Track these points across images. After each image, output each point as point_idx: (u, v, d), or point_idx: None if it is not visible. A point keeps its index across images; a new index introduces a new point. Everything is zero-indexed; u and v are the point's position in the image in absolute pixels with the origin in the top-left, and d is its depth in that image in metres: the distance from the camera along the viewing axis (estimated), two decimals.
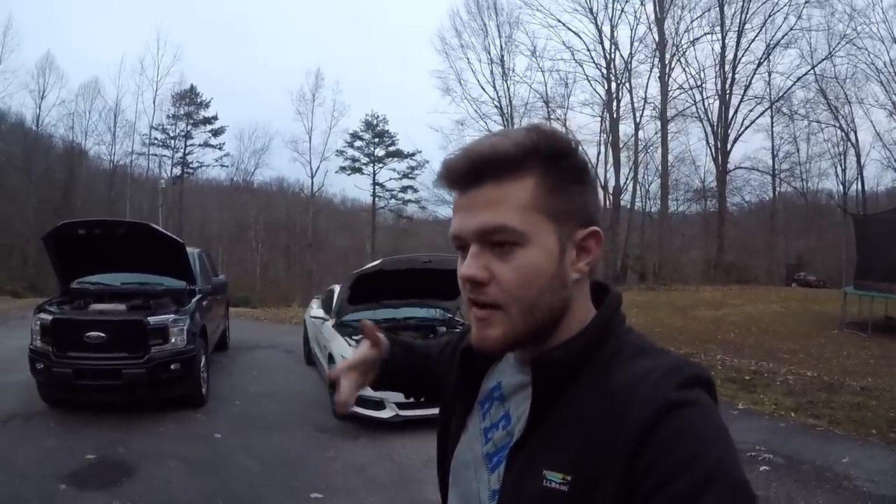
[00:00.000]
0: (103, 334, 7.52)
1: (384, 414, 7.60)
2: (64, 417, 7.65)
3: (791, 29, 41.04)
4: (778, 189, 48.58)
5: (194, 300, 8.81)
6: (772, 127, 46.22)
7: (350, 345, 8.20)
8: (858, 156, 44.29)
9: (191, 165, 57.68)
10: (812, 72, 41.66)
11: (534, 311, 1.03)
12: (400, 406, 7.54)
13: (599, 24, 43.53)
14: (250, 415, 8.33)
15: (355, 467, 6.53)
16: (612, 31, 43.64)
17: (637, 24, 43.42)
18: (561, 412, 1.02)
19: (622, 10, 43.43)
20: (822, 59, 40.97)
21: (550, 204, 1.03)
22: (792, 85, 42.97)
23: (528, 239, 1.01)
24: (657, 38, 41.91)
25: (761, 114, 44.43)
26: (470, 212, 1.03)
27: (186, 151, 56.63)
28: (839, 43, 39.92)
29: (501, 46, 46.90)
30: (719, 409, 0.97)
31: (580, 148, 1.08)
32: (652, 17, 42.34)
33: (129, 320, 7.83)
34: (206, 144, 57.63)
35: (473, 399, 1.25)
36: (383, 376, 1.54)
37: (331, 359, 8.47)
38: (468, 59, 47.92)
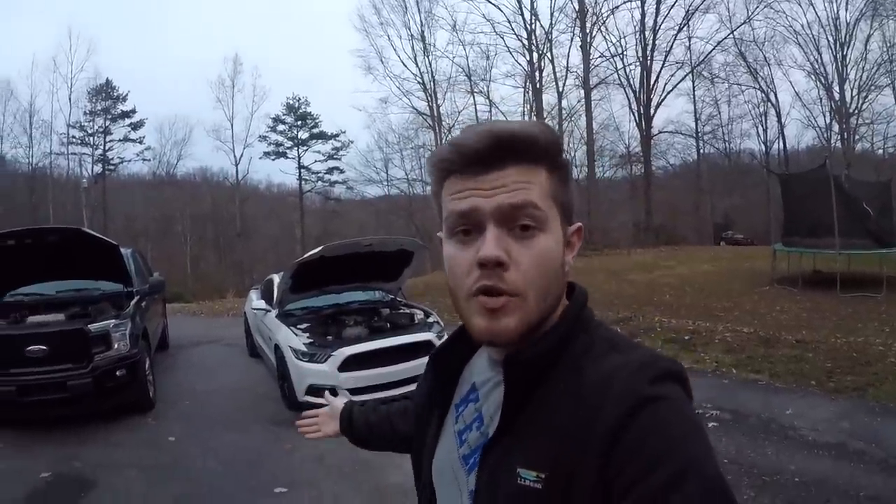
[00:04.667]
0: (45, 347, 7.28)
1: (337, 402, 7.56)
2: (12, 437, 7.40)
3: None
4: (702, 151, 49.50)
5: (133, 302, 8.64)
6: (693, 91, 47.09)
7: (296, 334, 8.18)
8: (779, 116, 45.54)
9: (112, 162, 56.25)
10: (731, 36, 42.47)
11: (547, 299, 1.04)
12: (352, 392, 7.51)
13: None
14: (202, 414, 8.22)
15: (315, 458, 6.48)
16: (531, 2, 43.55)
17: None
18: (534, 410, 1.02)
19: None
20: (741, 24, 41.78)
21: (560, 196, 1.06)
22: (712, 49, 43.69)
23: (547, 224, 1.03)
24: (577, 8, 41.97)
25: (682, 78, 45.07)
26: (490, 191, 1.01)
27: (106, 148, 55.14)
28: (757, 7, 40.78)
29: (421, 22, 46.46)
30: (693, 401, 0.98)
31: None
32: None
33: (69, 330, 7.59)
34: (126, 139, 56.25)
35: (448, 404, 1.26)
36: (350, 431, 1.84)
37: (277, 350, 8.42)
38: (388, 36, 47.34)
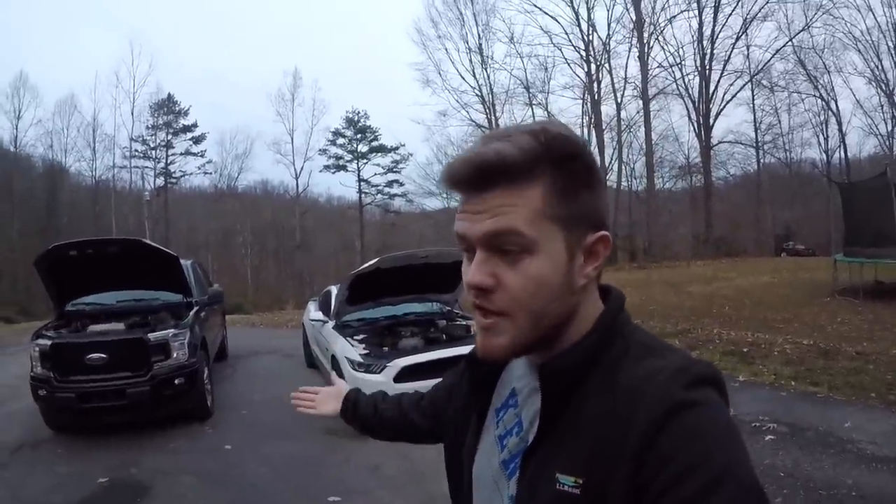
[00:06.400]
0: (104, 355, 7.45)
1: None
2: (71, 443, 7.59)
3: (767, 2, 41.53)
4: (762, 161, 49.29)
5: (192, 313, 8.76)
6: (753, 100, 46.94)
7: (353, 345, 8.22)
8: (840, 124, 45.14)
9: (174, 175, 57.80)
10: (790, 43, 42.36)
11: (541, 319, 1.01)
12: None
13: (576, 6, 43.78)
14: (258, 423, 8.30)
15: (369, 468, 6.53)
16: (588, 13, 43.89)
17: (613, 5, 43.67)
18: (571, 415, 1.00)
19: None
20: (800, 31, 41.64)
21: (560, 210, 1.00)
22: (771, 57, 43.70)
23: (537, 247, 0.98)
24: (634, 18, 42.13)
25: (741, 87, 45.11)
26: (476, 216, 1.00)
27: (168, 161, 56.72)
28: (816, 13, 40.67)
29: (479, 35, 47.11)
30: (729, 405, 0.96)
31: (587, 147, 1.06)
32: None
33: (129, 339, 7.77)
34: (187, 153, 57.77)
35: (486, 408, 1.24)
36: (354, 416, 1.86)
37: (334, 360, 8.47)
38: (446, 49, 48.19)
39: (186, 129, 57.29)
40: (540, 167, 0.98)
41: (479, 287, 1.00)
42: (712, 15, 43.17)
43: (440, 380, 1.69)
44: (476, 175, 0.99)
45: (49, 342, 7.59)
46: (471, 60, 47.74)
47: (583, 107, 45.80)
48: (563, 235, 1.00)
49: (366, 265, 8.71)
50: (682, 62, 44.45)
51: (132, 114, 53.34)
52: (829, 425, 6.82)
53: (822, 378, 8.61)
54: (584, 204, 1.02)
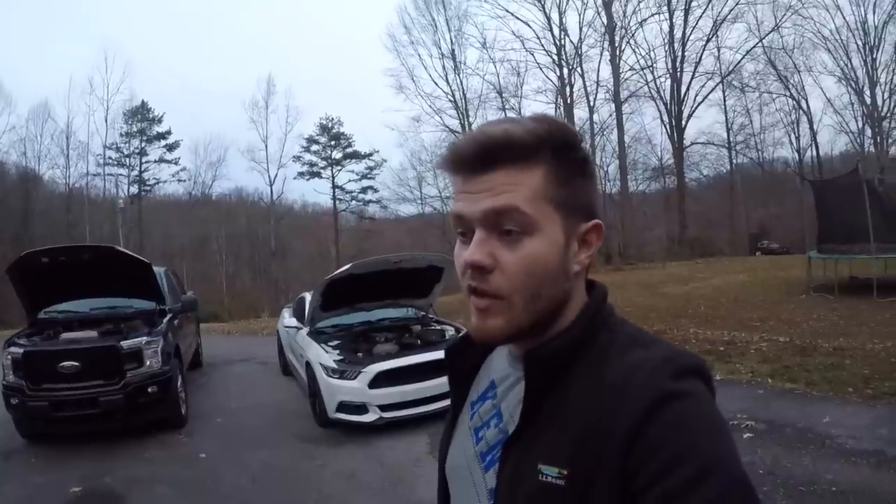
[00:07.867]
0: (77, 363, 7.38)
1: (367, 418, 7.58)
2: (45, 451, 7.51)
3: (737, 3, 41.71)
4: (734, 161, 49.66)
5: (166, 320, 8.72)
6: (724, 101, 47.52)
7: (327, 351, 8.19)
8: (811, 123, 45.65)
9: (147, 183, 57.26)
10: (760, 44, 42.73)
11: (536, 302, 1.02)
12: (383, 408, 7.54)
13: (548, 11, 43.69)
14: (233, 431, 8.26)
15: (345, 474, 6.51)
16: (560, 18, 43.81)
17: (585, 9, 43.63)
18: (555, 406, 1.00)
19: None
20: (770, 31, 42.07)
21: (559, 195, 1.02)
22: (741, 58, 44.15)
23: (536, 227, 1.00)
24: (606, 22, 42.10)
25: (713, 89, 45.56)
26: (477, 195, 1.01)
27: (142, 169, 56.19)
28: (785, 14, 40.99)
29: (452, 40, 46.99)
30: (715, 396, 0.96)
31: (584, 141, 1.08)
32: (600, 0, 42.47)
33: (102, 346, 7.70)
34: (161, 160, 57.29)
35: (463, 400, 1.25)
36: None
37: (308, 367, 8.43)
38: (419, 55, 47.96)
39: (160, 136, 56.81)
40: (542, 150, 1.01)
41: (478, 266, 1.00)
42: (683, 17, 43.51)
43: None
44: (482, 153, 1.00)
45: (21, 350, 7.51)
46: (444, 66, 47.70)
47: (556, 111, 45.48)
48: (561, 219, 1.02)
49: (339, 270, 8.68)
50: (654, 65, 44.86)
51: (106, 121, 52.76)
52: (807, 421, 6.84)
53: (800, 374, 8.66)
54: (580, 192, 1.05)
